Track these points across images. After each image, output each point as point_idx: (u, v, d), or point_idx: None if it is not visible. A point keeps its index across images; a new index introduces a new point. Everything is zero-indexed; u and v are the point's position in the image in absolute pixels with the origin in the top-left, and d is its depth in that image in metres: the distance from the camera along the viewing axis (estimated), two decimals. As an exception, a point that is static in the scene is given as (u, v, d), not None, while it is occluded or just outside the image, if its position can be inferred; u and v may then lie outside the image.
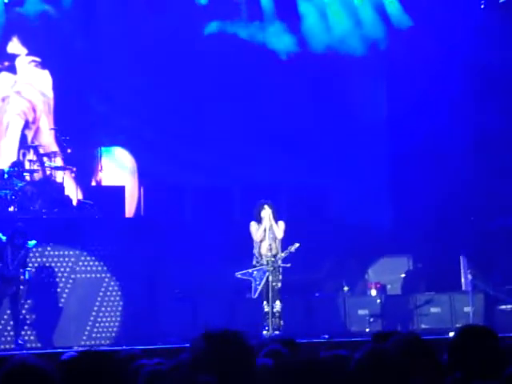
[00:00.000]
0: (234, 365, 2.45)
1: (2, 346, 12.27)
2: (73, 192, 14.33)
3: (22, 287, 12.03)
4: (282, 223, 11.71)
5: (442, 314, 13.80)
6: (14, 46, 15.59)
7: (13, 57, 15.62)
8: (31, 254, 12.75)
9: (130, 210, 14.92)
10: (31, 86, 15.64)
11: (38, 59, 15.62)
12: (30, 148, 14.64)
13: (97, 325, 13.21)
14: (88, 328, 13.14)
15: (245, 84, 15.43)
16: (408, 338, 3.50)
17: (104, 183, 14.96)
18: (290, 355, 4.38)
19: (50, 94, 15.71)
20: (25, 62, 15.62)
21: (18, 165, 13.78)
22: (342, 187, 15.65)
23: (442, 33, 15.15)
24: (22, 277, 11.96)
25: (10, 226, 12.22)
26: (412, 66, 15.35)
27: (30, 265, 12.41)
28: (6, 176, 13.45)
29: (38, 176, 14.08)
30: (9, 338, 12.49)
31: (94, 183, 15.09)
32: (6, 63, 15.56)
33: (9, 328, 12.53)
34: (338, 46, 15.65)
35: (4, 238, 11.88)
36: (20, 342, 11.98)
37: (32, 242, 12.14)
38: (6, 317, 12.48)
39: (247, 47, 15.50)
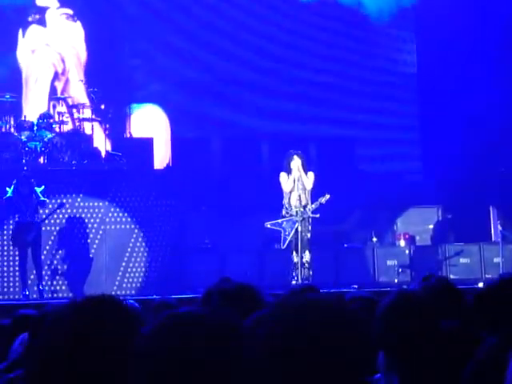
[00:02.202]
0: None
1: (35, 295, 12.40)
2: (101, 144, 14.36)
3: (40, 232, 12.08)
4: (311, 174, 11.67)
5: (472, 265, 13.75)
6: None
7: (43, 9, 15.55)
8: (64, 206, 12.89)
9: (162, 163, 14.95)
10: (61, 38, 15.59)
11: (69, 11, 15.54)
12: (59, 100, 14.64)
13: (127, 275, 13.34)
14: (118, 278, 13.28)
15: (271, 32, 15.33)
16: (438, 282, 3.49)
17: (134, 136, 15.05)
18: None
19: (82, 46, 15.67)
20: (56, 14, 15.55)
21: (46, 116, 13.79)
22: (370, 138, 15.57)
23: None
24: (36, 221, 11.99)
25: (41, 177, 12.30)
26: (443, 18, 15.10)
27: (44, 211, 12.43)
28: (35, 128, 13.49)
29: (67, 128, 14.09)
30: (34, 288, 12.65)
31: (125, 136, 15.16)
32: (37, 16, 15.49)
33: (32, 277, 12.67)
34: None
35: (10, 190, 11.94)
36: (40, 287, 12.09)
37: (39, 189, 12.13)
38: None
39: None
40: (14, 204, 11.92)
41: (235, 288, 2.96)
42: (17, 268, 12.49)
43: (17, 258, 12.40)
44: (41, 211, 12.34)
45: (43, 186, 12.14)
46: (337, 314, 1.87)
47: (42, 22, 15.51)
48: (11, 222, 12.28)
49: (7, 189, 12.01)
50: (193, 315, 1.78)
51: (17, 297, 12.32)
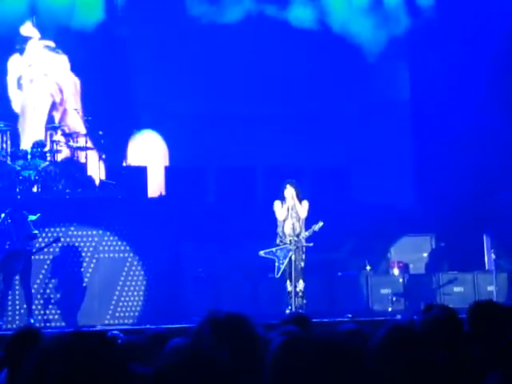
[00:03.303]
0: (239, 350, 2.42)
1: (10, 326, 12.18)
2: (95, 172, 14.39)
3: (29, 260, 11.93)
4: (305, 202, 11.69)
5: (466, 294, 13.74)
6: (27, 29, 15.59)
7: (26, 40, 15.61)
8: (55, 234, 12.87)
9: (159, 191, 14.97)
10: (56, 67, 15.64)
11: (50, 43, 15.59)
12: (55, 128, 14.67)
13: (120, 304, 13.29)
14: (111, 307, 13.23)
15: (266, 65, 15.44)
16: (442, 311, 3.49)
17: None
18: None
19: (69, 76, 15.70)
20: (38, 46, 15.61)
21: (40, 145, 13.83)
22: (364, 166, 15.62)
23: (466, 11, 15.02)
24: (27, 249, 11.85)
25: (35, 206, 12.29)
26: (436, 44, 15.24)
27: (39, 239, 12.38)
28: (29, 156, 13.52)
29: (61, 156, 14.13)
30: (17, 317, 12.53)
31: (123, 163, 15.25)
32: (18, 46, 15.55)
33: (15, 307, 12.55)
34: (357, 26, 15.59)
35: (3, 215, 11.83)
36: (32, 320, 11.82)
37: (33, 217, 12.00)
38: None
39: (268, 26, 15.46)
40: (5, 231, 11.80)
41: (226, 318, 2.95)
42: None
43: None
44: (38, 240, 12.25)
45: (39, 214, 12.07)
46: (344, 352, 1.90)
47: (22, 52, 15.58)
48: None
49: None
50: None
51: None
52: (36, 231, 11.99)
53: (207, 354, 1.79)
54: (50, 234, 12.96)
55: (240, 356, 2.24)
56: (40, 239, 12.62)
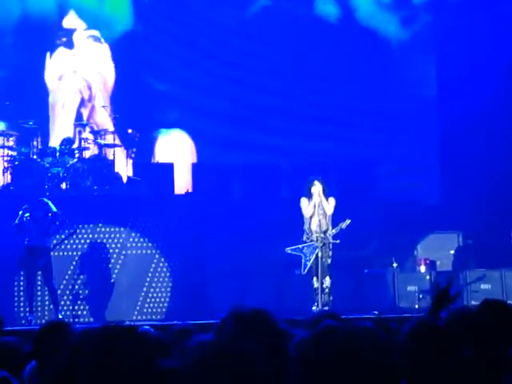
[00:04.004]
0: (262, 345, 2.44)
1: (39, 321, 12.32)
2: (123, 169, 14.49)
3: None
4: (332, 199, 11.69)
5: (493, 291, 13.64)
6: (71, 20, 15.70)
7: (70, 32, 15.73)
8: (83, 231, 12.99)
9: (186, 188, 15.03)
10: (88, 63, 15.76)
11: (96, 33, 15.72)
12: (84, 125, 14.79)
13: (148, 300, 13.38)
14: (139, 303, 13.32)
15: (292, 62, 15.45)
16: (463, 311, 3.50)
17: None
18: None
19: (109, 69, 15.81)
20: (82, 36, 15.73)
21: (68, 142, 13.96)
22: (391, 163, 15.56)
23: (494, 5, 14.91)
24: (46, 245, 11.87)
25: (62, 203, 12.39)
26: (463, 40, 15.14)
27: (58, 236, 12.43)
28: (57, 154, 13.65)
29: (89, 153, 14.25)
30: (46, 313, 12.66)
31: (151, 161, 15.36)
32: (64, 39, 15.67)
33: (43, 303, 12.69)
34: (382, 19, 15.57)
35: (27, 214, 11.90)
36: (60, 316, 11.88)
37: (52, 206, 11.98)
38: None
39: (294, 20, 15.46)
40: (25, 227, 11.87)
41: (250, 313, 2.97)
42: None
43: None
44: (57, 236, 12.33)
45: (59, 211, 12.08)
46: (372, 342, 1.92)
47: (69, 45, 15.69)
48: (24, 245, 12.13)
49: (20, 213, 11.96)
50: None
51: (23, 322, 12.24)
52: (57, 210, 11.94)
53: (232, 346, 1.82)
54: (78, 231, 13.08)
55: (263, 350, 2.27)
56: (63, 235, 12.74)
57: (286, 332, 2.57)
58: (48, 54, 15.56)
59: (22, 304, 12.72)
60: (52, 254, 12.20)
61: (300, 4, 15.62)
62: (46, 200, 12.03)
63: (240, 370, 1.77)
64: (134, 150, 14.59)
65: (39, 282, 12.31)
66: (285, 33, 15.39)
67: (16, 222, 11.83)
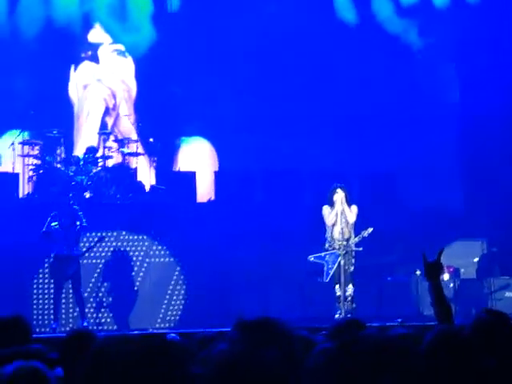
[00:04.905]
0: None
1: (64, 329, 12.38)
2: (146, 178, 14.56)
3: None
4: (354, 207, 11.67)
5: (518, 299, 13.57)
6: (97, 34, 15.83)
7: (95, 46, 15.87)
8: (106, 239, 13.06)
9: (208, 196, 15.06)
10: (112, 73, 15.88)
11: (121, 47, 15.84)
12: (108, 134, 14.88)
13: (171, 307, 13.42)
14: (162, 311, 13.36)
15: (313, 68, 15.46)
16: (489, 318, 3.49)
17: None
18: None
19: (132, 81, 15.94)
20: (108, 50, 15.85)
21: (92, 151, 14.05)
22: (413, 170, 15.51)
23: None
24: (74, 253, 11.91)
25: (85, 211, 12.46)
26: (485, 45, 15.08)
27: (82, 244, 12.48)
28: (81, 162, 13.75)
29: (112, 162, 14.34)
30: (70, 321, 12.73)
31: (173, 169, 15.43)
32: (89, 52, 15.81)
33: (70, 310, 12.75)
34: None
35: (55, 223, 11.96)
36: (85, 324, 11.93)
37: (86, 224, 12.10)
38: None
39: (315, 26, 15.46)
40: (53, 236, 11.95)
41: (254, 322, 2.95)
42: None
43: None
44: (81, 244, 12.40)
45: (84, 220, 12.16)
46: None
47: (94, 58, 15.84)
48: (52, 255, 12.24)
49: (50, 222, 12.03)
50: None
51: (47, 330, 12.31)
52: (86, 224, 12.04)
53: (247, 355, 1.84)
54: (96, 240, 13.10)
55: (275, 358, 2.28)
56: (87, 244, 12.81)
57: (298, 339, 2.57)
58: (72, 67, 15.69)
59: (41, 311, 12.79)
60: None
61: (320, 10, 15.62)
62: (75, 207, 12.11)
63: (257, 378, 1.78)
64: (156, 158, 14.67)
65: (63, 290, 12.37)
66: (305, 40, 15.39)
67: (44, 229, 11.91)
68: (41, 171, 13.73)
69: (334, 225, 11.63)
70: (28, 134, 14.44)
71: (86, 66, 15.77)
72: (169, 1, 15.84)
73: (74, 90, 15.71)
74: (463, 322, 4.02)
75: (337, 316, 11.42)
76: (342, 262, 11.50)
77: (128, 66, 15.86)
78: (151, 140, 14.61)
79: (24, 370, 2.55)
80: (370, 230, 11.52)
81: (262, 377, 1.78)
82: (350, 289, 11.55)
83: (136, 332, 11.13)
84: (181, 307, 13.47)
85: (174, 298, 13.46)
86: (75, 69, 15.73)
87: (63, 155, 14.16)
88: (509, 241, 14.73)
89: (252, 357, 1.86)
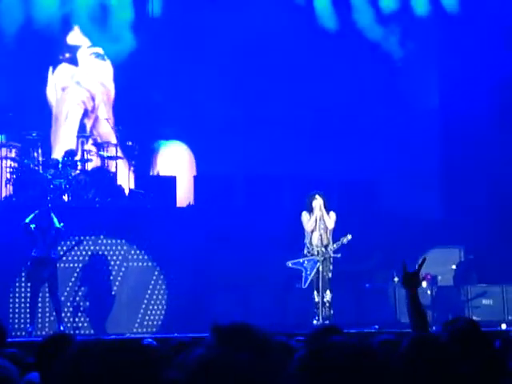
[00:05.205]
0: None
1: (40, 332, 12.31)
2: (125, 181, 14.51)
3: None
4: (333, 214, 11.71)
5: (494, 306, 13.64)
6: (76, 36, 15.75)
7: (74, 48, 15.78)
8: (84, 243, 13.00)
9: (186, 201, 15.02)
10: (91, 76, 15.80)
11: (99, 50, 15.76)
12: (87, 137, 14.81)
13: (148, 312, 13.37)
14: (139, 316, 13.31)
15: (292, 73, 15.48)
16: (464, 325, 3.51)
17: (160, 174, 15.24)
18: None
19: (111, 85, 15.86)
20: (86, 53, 15.78)
21: (71, 154, 13.99)
22: (391, 177, 15.56)
23: (496, 16, 14.97)
24: (52, 257, 11.87)
25: (65, 215, 12.40)
26: (466, 51, 15.18)
27: (59, 248, 12.43)
28: (60, 165, 13.67)
29: (91, 165, 14.28)
30: (46, 324, 12.65)
31: (151, 173, 15.36)
32: (68, 54, 15.72)
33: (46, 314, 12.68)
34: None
35: (33, 226, 11.88)
36: (62, 328, 11.83)
37: (57, 222, 12.00)
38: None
39: (296, 33, 15.48)
40: (32, 237, 11.89)
41: (230, 328, 2.93)
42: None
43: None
44: (59, 248, 12.34)
45: (62, 224, 12.11)
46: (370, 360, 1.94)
47: (72, 61, 15.75)
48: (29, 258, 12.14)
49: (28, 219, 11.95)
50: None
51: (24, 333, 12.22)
52: (60, 225, 11.97)
53: (223, 360, 1.84)
54: (73, 243, 13.05)
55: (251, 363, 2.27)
56: (64, 247, 12.74)
57: (275, 345, 2.57)
58: (50, 69, 15.60)
59: (17, 315, 12.71)
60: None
61: (301, 18, 15.65)
62: (51, 213, 12.04)
63: (229, 382, 1.78)
64: (133, 162, 14.62)
65: (40, 294, 12.30)
66: (286, 47, 15.40)
67: (26, 221, 11.83)
68: (19, 174, 13.64)
69: (312, 231, 11.66)
70: (5, 136, 14.34)
71: (64, 68, 15.68)
72: (150, 6, 15.79)
73: (53, 92, 15.61)
74: (440, 329, 4.04)
75: (315, 322, 11.44)
76: (321, 269, 11.53)
77: (106, 68, 15.80)
78: (129, 143, 14.55)
79: None
80: (349, 236, 11.57)
81: (234, 381, 1.78)
82: (328, 295, 11.58)
83: (113, 337, 11.10)
84: (159, 312, 13.43)
85: (152, 302, 13.41)
86: (53, 71, 15.64)
87: (41, 158, 14.07)
88: (486, 248, 14.83)
89: (224, 361, 1.86)
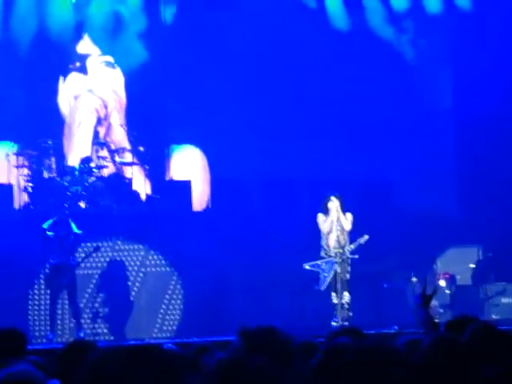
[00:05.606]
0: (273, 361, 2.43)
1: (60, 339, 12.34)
2: (141, 187, 14.55)
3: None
4: (349, 215, 11.68)
5: (514, 305, 13.58)
6: (86, 45, 15.80)
7: (84, 57, 15.84)
8: (102, 249, 13.04)
9: (201, 205, 15.03)
10: (102, 84, 15.85)
11: (110, 59, 15.80)
12: (101, 144, 14.85)
13: (167, 317, 13.40)
14: (158, 321, 13.34)
15: (306, 76, 15.47)
16: (484, 326, 3.49)
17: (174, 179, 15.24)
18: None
19: (122, 92, 15.90)
20: (96, 61, 15.83)
21: (87, 161, 14.05)
22: (409, 177, 15.51)
23: (506, 11, 14.91)
24: (71, 263, 11.92)
25: (81, 221, 12.45)
26: (480, 51, 15.12)
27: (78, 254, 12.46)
28: (76, 173, 13.74)
29: (107, 172, 14.32)
30: (66, 331, 12.70)
31: (165, 178, 15.37)
32: (78, 63, 15.77)
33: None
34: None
35: (51, 233, 11.95)
36: (81, 334, 11.93)
37: (75, 229, 12.05)
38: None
39: (308, 33, 15.47)
40: (50, 245, 11.93)
41: (257, 331, 2.96)
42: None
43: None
44: (77, 255, 12.38)
45: (81, 231, 12.16)
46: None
47: (82, 70, 15.80)
48: (47, 265, 12.21)
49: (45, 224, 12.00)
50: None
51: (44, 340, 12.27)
52: (79, 231, 12.04)
53: (243, 363, 1.85)
54: (92, 249, 13.07)
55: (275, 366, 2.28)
56: (82, 254, 12.78)
57: (300, 345, 2.58)
58: (61, 79, 15.65)
59: (37, 322, 12.77)
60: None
61: (313, 19, 15.64)
62: (69, 220, 12.09)
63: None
64: (147, 167, 14.65)
65: (59, 300, 12.36)
66: (299, 49, 15.37)
67: (45, 226, 11.87)
68: (35, 182, 13.71)
69: (329, 233, 11.64)
70: (22, 144, 14.41)
71: (75, 76, 15.73)
72: (162, 13, 15.82)
73: (65, 101, 15.67)
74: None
75: (334, 324, 11.42)
76: (338, 270, 11.51)
77: (117, 76, 15.83)
78: (141, 149, 14.58)
79: (15, 374, 2.54)
80: (366, 237, 11.54)
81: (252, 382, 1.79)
82: (347, 296, 11.55)
83: (133, 342, 11.13)
84: (178, 317, 13.45)
85: (171, 307, 13.44)
86: (64, 80, 15.70)
87: (54, 166, 14.11)
88: (504, 246, 14.75)
89: (248, 365, 1.86)
